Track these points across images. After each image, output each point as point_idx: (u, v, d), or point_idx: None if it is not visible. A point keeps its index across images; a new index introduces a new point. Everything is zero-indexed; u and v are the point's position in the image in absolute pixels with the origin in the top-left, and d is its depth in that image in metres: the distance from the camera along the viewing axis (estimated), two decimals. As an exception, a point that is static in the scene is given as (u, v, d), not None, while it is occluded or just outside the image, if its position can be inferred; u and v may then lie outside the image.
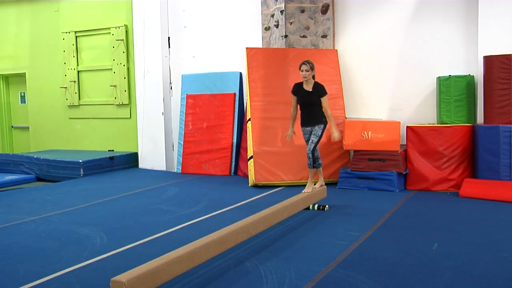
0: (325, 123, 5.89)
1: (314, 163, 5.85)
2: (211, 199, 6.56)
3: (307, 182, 7.22)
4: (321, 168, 6.03)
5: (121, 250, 4.41)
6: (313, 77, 5.89)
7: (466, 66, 7.37)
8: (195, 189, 7.36)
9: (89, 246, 4.58)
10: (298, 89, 5.95)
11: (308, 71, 5.77)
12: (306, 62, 5.79)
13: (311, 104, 5.85)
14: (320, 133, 5.84)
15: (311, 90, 5.85)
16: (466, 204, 6.00)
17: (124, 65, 10.02)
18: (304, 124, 5.98)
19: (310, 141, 5.83)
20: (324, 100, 5.84)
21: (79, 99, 10.62)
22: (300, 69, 5.81)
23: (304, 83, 5.90)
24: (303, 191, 5.84)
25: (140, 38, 9.49)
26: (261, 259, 4.06)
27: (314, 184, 6.04)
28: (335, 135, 5.90)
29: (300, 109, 5.99)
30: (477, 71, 7.14)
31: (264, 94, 7.75)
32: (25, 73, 11.26)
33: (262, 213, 4.74)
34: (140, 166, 9.72)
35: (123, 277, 3.04)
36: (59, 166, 9.02)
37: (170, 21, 9.50)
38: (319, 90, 5.85)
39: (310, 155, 5.81)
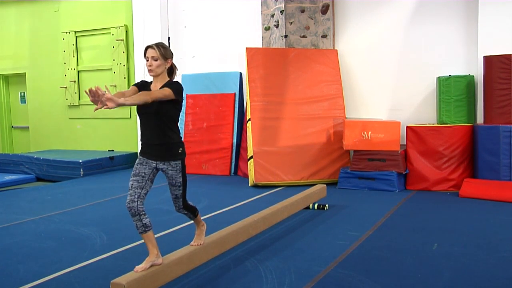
0: (182, 157, 3.53)
1: (195, 212, 3.80)
2: (211, 199, 6.55)
3: (306, 183, 7.29)
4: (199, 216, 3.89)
5: (121, 250, 4.42)
6: (171, 72, 3.55)
7: (466, 66, 7.37)
8: (195, 189, 7.35)
9: (89, 246, 4.58)
10: (142, 88, 3.49)
11: (156, 60, 3.42)
12: (156, 45, 3.44)
13: (156, 116, 3.40)
14: (182, 180, 3.54)
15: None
16: (466, 204, 6.00)
17: (124, 65, 10.02)
18: (145, 153, 3.54)
19: (174, 196, 3.59)
20: (164, 91, 3.33)
21: (79, 99, 10.62)
22: (144, 56, 3.46)
23: (153, 80, 3.53)
24: (191, 243, 3.86)
25: (140, 38, 9.49)
26: (261, 259, 4.06)
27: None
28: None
29: (141, 126, 3.58)
30: (477, 71, 7.13)
31: (264, 94, 7.75)
32: (25, 73, 11.26)
33: (262, 213, 4.75)
34: (140, 166, 9.70)
35: (123, 279, 3.04)
36: (59, 166, 9.02)
37: (170, 21, 9.50)
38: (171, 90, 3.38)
39: (185, 211, 3.71)
